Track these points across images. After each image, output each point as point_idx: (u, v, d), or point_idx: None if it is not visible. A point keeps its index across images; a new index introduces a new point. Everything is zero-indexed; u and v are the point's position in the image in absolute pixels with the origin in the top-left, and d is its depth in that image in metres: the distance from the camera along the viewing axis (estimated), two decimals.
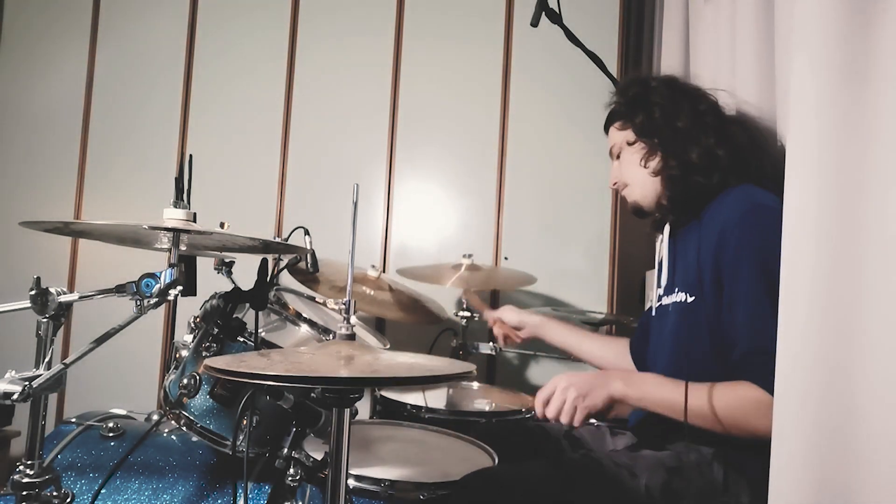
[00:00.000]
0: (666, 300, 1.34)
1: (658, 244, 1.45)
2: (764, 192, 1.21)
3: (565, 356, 1.76)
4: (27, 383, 0.97)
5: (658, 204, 1.36)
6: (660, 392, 1.19)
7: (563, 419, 1.22)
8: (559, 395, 1.23)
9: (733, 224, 1.18)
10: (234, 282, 1.60)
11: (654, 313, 1.43)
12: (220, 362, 0.80)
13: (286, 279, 1.89)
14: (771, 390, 0.97)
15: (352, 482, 1.16)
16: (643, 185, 1.38)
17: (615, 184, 1.44)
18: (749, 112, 1.40)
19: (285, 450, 1.23)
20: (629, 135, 1.39)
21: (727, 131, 1.31)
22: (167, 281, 1.10)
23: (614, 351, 1.66)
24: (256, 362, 0.85)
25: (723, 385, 1.14)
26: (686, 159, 1.29)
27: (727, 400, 1.12)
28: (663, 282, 1.37)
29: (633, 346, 1.63)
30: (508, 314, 1.76)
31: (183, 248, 1.28)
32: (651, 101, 1.35)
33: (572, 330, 1.71)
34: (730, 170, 1.27)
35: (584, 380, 1.23)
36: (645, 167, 1.36)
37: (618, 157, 1.43)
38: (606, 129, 1.46)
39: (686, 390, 1.11)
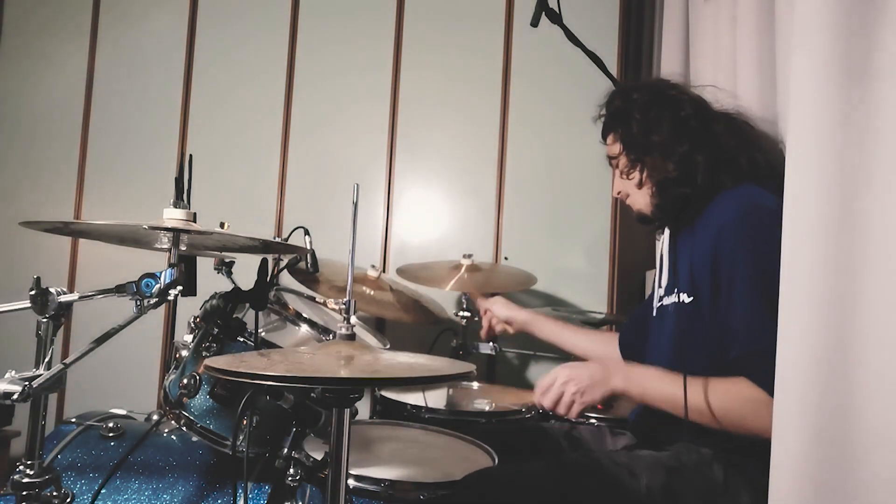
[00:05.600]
0: (666, 300, 1.34)
1: (659, 244, 1.46)
2: (762, 192, 1.21)
3: (565, 356, 1.76)
4: (27, 383, 0.97)
5: (654, 213, 1.38)
6: (660, 387, 1.20)
7: (560, 411, 1.24)
8: (558, 386, 1.25)
9: (730, 225, 1.18)
10: (234, 282, 1.60)
11: (654, 313, 1.43)
12: (220, 362, 0.80)
13: (286, 279, 1.89)
14: (768, 389, 0.97)
15: (352, 482, 1.16)
16: (637, 195, 1.39)
17: (619, 193, 1.45)
18: (740, 108, 1.40)
19: (285, 450, 1.23)
20: (618, 147, 1.40)
21: (710, 132, 1.30)
22: (167, 281, 1.10)
23: (602, 345, 1.67)
24: (256, 362, 0.85)
25: (721, 381, 1.14)
26: (664, 172, 1.30)
27: (725, 396, 1.12)
28: (664, 282, 1.38)
29: (623, 341, 1.63)
30: (499, 308, 1.78)
31: (183, 248, 1.28)
32: (630, 116, 1.35)
33: (561, 326, 1.73)
34: (716, 171, 1.27)
35: (585, 373, 1.25)
36: (629, 179, 1.38)
37: (616, 167, 1.44)
38: (604, 139, 1.47)
39: (685, 385, 1.12)
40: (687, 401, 1.13)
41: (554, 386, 1.25)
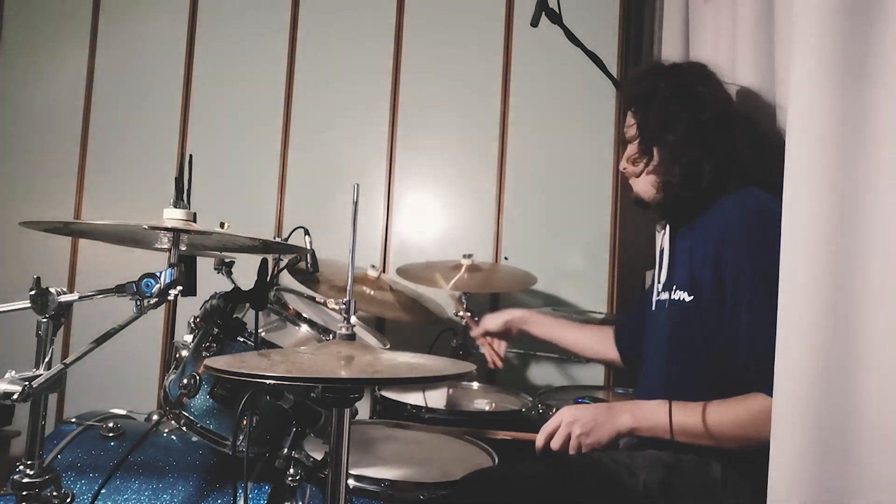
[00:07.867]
0: (663, 296, 1.34)
1: (659, 237, 1.45)
2: (764, 194, 1.20)
3: (565, 356, 1.76)
4: (27, 383, 0.97)
5: (654, 208, 1.37)
6: (673, 419, 1.16)
7: (571, 452, 1.22)
8: (563, 429, 1.23)
9: (735, 227, 1.18)
10: (234, 282, 1.60)
11: (651, 307, 1.42)
12: (220, 362, 0.80)
13: (286, 279, 1.89)
14: None
15: (352, 482, 1.16)
16: (640, 180, 1.38)
17: (624, 169, 1.43)
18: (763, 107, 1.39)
19: (285, 450, 1.24)
20: (634, 129, 1.38)
21: (727, 137, 1.27)
22: (167, 281, 1.10)
23: (597, 340, 1.67)
24: (257, 363, 0.85)
25: (734, 401, 1.13)
26: (669, 173, 1.29)
27: (741, 415, 1.11)
28: (662, 277, 1.37)
29: (620, 335, 1.63)
30: (490, 322, 1.77)
31: (183, 248, 1.28)
32: (651, 104, 1.33)
33: (555, 322, 1.72)
34: (722, 177, 1.25)
35: (590, 414, 1.23)
36: (634, 165, 1.37)
37: (630, 142, 1.42)
38: (624, 114, 1.44)
39: (704, 414, 1.10)
40: (710, 432, 1.12)
41: (560, 429, 1.24)
